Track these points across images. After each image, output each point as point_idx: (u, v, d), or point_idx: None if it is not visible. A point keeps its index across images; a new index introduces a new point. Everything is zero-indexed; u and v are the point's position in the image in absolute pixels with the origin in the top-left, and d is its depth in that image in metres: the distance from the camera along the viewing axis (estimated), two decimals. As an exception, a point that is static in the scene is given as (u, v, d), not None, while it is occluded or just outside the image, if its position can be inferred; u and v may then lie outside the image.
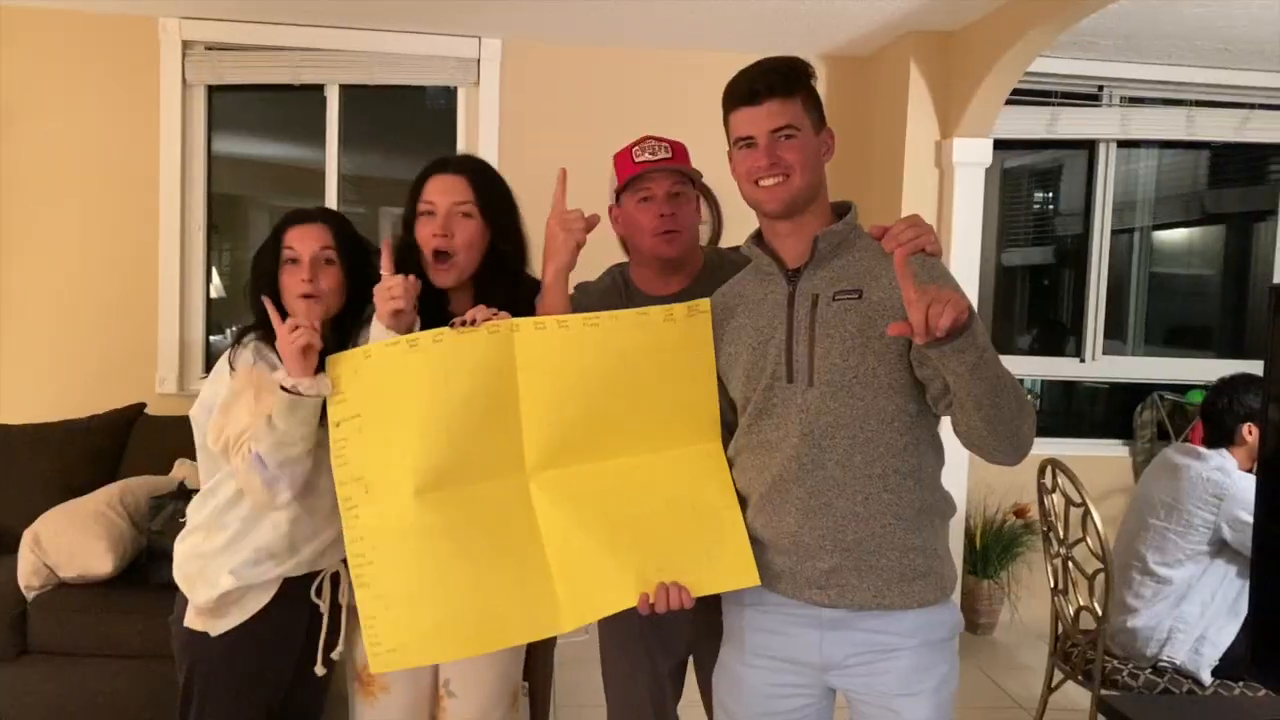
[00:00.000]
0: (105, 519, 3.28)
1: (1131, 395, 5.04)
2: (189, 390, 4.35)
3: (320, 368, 1.91)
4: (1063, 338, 5.24)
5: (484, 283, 2.10)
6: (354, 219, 2.22)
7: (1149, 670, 3.06)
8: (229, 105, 4.55)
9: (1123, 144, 4.95)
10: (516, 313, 1.90)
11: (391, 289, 1.92)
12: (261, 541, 2.05)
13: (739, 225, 2.32)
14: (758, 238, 1.92)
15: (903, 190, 4.28)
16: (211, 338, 4.53)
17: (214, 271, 4.56)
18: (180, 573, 2.10)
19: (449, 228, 2.05)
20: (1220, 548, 3.02)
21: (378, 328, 1.94)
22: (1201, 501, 2.99)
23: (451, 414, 1.84)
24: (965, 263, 4.19)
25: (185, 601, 2.09)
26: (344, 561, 1.96)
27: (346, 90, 4.50)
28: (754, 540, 1.85)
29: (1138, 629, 3.07)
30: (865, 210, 1.95)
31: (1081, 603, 3.15)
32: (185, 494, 3.34)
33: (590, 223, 2.01)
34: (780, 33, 4.23)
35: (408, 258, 2.06)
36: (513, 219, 2.16)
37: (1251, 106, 4.88)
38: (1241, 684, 2.96)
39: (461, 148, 4.50)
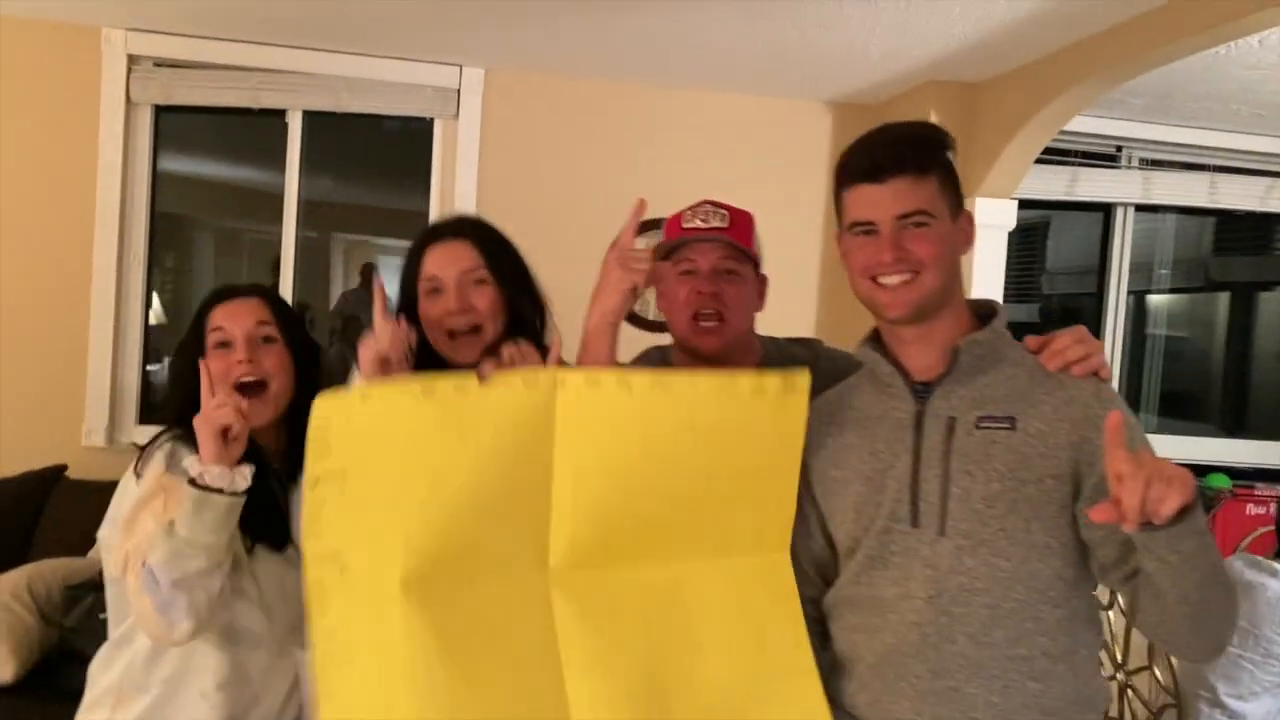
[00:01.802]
0: (8, 613, 2.79)
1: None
2: (119, 445, 3.83)
3: (244, 460, 1.52)
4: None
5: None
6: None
7: (1218, 820, 2.69)
8: (179, 121, 4.11)
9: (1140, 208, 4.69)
10: None
11: (377, 335, 1.59)
12: (194, 716, 1.60)
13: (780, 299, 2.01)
14: (874, 340, 1.54)
15: (918, 252, 3.94)
16: (149, 366, 4.03)
17: (154, 297, 4.10)
18: None
19: (465, 300, 1.72)
20: (1303, 680, 2.68)
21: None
22: (1284, 627, 2.65)
23: (463, 485, 1.42)
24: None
25: None
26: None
27: (311, 115, 4.06)
28: None
29: (1207, 771, 2.71)
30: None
31: (1144, 741, 2.78)
32: (109, 581, 2.86)
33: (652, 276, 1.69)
34: (785, 74, 3.91)
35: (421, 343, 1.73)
36: (527, 277, 1.85)
37: (1273, 175, 4.64)
38: (1323, 839, 2.61)
39: (436, 184, 4.09)
